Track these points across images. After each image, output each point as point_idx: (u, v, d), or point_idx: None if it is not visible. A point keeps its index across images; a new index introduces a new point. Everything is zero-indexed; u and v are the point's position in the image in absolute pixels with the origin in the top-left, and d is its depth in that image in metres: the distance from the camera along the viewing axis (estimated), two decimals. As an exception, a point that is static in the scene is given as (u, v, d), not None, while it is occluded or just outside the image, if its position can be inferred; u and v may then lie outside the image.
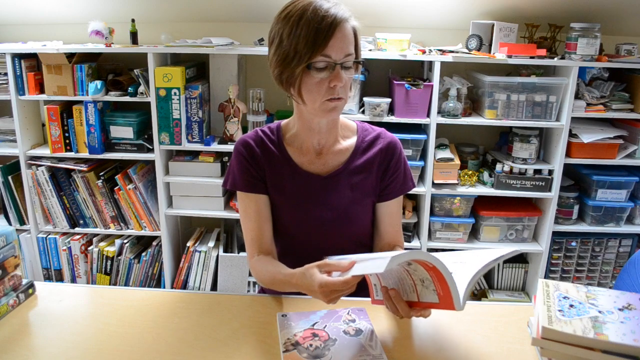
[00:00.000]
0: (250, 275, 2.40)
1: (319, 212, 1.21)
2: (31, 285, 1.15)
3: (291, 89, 1.12)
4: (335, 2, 1.08)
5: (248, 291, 2.42)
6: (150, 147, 2.32)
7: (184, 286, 2.44)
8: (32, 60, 2.30)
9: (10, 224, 2.46)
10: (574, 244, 2.38)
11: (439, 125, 2.22)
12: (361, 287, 1.28)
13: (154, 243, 2.48)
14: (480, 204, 2.35)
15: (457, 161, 2.28)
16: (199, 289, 2.42)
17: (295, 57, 1.06)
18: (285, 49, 1.07)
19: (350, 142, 1.25)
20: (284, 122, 1.28)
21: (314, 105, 1.11)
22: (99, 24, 2.22)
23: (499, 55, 2.14)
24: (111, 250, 2.44)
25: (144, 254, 2.46)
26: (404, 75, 2.32)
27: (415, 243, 2.36)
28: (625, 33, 2.37)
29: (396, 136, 1.29)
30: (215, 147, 2.30)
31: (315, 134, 1.21)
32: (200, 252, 2.39)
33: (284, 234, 1.26)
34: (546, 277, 2.39)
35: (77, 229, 2.44)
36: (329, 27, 1.04)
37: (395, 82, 2.20)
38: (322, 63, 1.06)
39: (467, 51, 2.23)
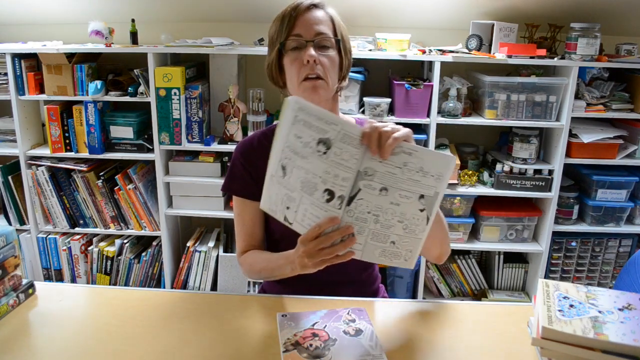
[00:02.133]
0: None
1: None
2: (31, 285, 1.15)
3: (275, 78, 1.19)
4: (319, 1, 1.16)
5: (248, 291, 2.42)
6: (150, 147, 2.32)
7: (184, 286, 2.44)
8: (32, 60, 2.30)
9: (10, 224, 2.46)
10: (574, 244, 2.38)
11: (439, 125, 2.22)
12: (361, 288, 1.28)
13: (154, 243, 2.48)
14: (480, 204, 2.35)
15: (457, 161, 2.28)
16: (199, 289, 2.42)
17: (273, 43, 1.16)
18: (269, 42, 1.18)
19: None
20: None
21: (293, 87, 1.15)
22: (99, 24, 2.22)
23: (499, 55, 2.14)
24: (111, 250, 2.44)
25: (144, 254, 2.46)
26: (404, 75, 2.32)
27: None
28: (625, 33, 2.37)
29: None
30: (215, 147, 2.30)
31: None
32: (200, 252, 2.39)
33: (284, 239, 1.25)
34: (546, 277, 2.39)
35: (77, 229, 2.44)
36: (295, 9, 1.13)
37: (395, 82, 2.20)
38: (293, 42, 1.12)
39: (467, 51, 2.23)
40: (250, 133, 2.26)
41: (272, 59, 1.16)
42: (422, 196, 0.92)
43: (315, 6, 1.14)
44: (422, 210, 0.93)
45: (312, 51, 1.10)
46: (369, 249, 0.95)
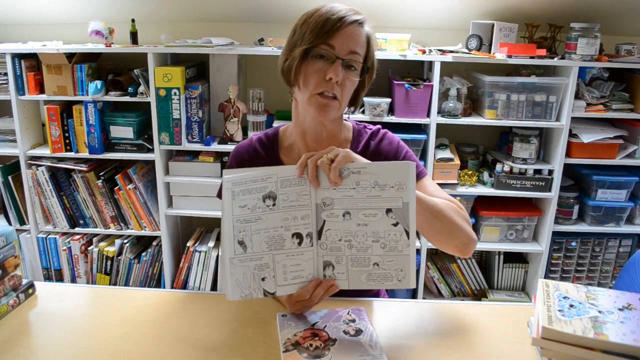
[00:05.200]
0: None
1: None
2: (31, 285, 1.15)
3: (291, 78, 1.09)
4: (355, 10, 1.08)
5: (248, 291, 2.42)
6: (150, 147, 2.32)
7: (184, 286, 2.44)
8: (32, 60, 2.30)
9: (10, 224, 2.46)
10: (574, 244, 2.38)
11: (439, 125, 2.22)
12: (363, 290, 1.28)
13: (154, 243, 2.48)
14: (480, 204, 2.35)
15: (457, 161, 2.28)
16: (199, 289, 2.42)
17: (300, 43, 1.06)
18: (294, 39, 1.08)
19: None
20: (282, 128, 1.24)
21: (303, 96, 1.08)
22: (99, 24, 2.22)
23: (499, 55, 2.14)
24: (111, 250, 2.44)
25: (144, 254, 2.46)
26: (404, 75, 2.32)
27: (415, 243, 2.37)
28: (625, 33, 2.37)
29: (396, 136, 1.25)
30: (215, 147, 2.30)
31: (312, 142, 1.16)
32: (200, 252, 2.39)
33: None
34: (546, 277, 2.39)
35: (77, 229, 2.44)
36: (338, 20, 1.04)
37: (395, 82, 2.20)
38: (323, 51, 1.04)
39: (467, 51, 2.23)
40: (250, 133, 2.26)
41: (295, 57, 1.06)
42: (389, 210, 0.92)
43: (359, 23, 1.07)
44: (395, 225, 0.93)
45: (339, 70, 1.04)
46: (353, 275, 0.96)
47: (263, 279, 0.95)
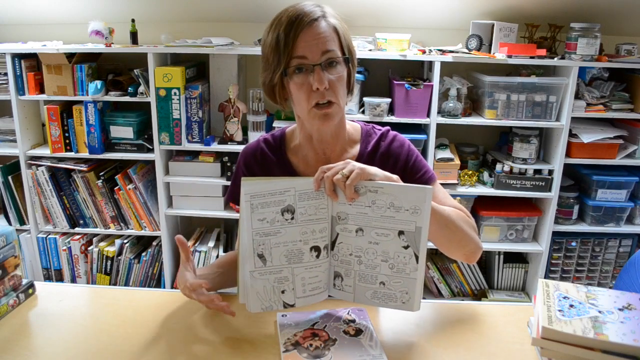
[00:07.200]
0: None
1: None
2: (31, 285, 1.15)
3: (280, 101, 1.10)
4: (317, 5, 1.04)
5: (248, 291, 2.42)
6: (150, 147, 2.32)
7: (184, 286, 2.44)
8: (32, 60, 2.30)
9: (10, 224, 2.46)
10: (574, 244, 2.38)
11: (439, 125, 2.22)
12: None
13: (154, 243, 2.48)
14: (480, 204, 2.35)
15: (457, 161, 2.28)
16: (199, 289, 2.42)
17: (272, 63, 1.04)
18: (265, 56, 1.07)
19: (355, 151, 1.17)
20: (289, 129, 1.23)
21: (302, 111, 1.06)
22: (99, 24, 2.22)
23: (499, 55, 2.14)
24: (111, 250, 2.44)
25: (144, 254, 2.46)
26: (404, 75, 2.32)
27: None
28: (625, 33, 2.37)
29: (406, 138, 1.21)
30: (215, 147, 2.30)
31: (318, 144, 1.15)
32: (200, 252, 2.39)
33: None
34: (546, 277, 2.39)
35: (77, 229, 2.44)
36: (293, 26, 1.00)
37: (395, 82, 2.20)
38: (298, 65, 1.01)
39: (467, 51, 2.23)
40: (250, 133, 2.26)
41: (276, 83, 1.05)
42: (401, 232, 0.93)
43: (315, 20, 1.00)
44: (406, 248, 0.93)
45: (322, 77, 1.00)
46: (359, 290, 0.98)
47: (282, 292, 0.97)
